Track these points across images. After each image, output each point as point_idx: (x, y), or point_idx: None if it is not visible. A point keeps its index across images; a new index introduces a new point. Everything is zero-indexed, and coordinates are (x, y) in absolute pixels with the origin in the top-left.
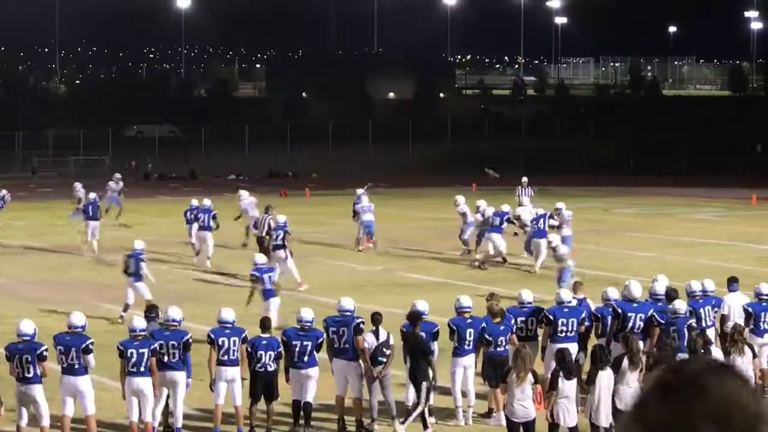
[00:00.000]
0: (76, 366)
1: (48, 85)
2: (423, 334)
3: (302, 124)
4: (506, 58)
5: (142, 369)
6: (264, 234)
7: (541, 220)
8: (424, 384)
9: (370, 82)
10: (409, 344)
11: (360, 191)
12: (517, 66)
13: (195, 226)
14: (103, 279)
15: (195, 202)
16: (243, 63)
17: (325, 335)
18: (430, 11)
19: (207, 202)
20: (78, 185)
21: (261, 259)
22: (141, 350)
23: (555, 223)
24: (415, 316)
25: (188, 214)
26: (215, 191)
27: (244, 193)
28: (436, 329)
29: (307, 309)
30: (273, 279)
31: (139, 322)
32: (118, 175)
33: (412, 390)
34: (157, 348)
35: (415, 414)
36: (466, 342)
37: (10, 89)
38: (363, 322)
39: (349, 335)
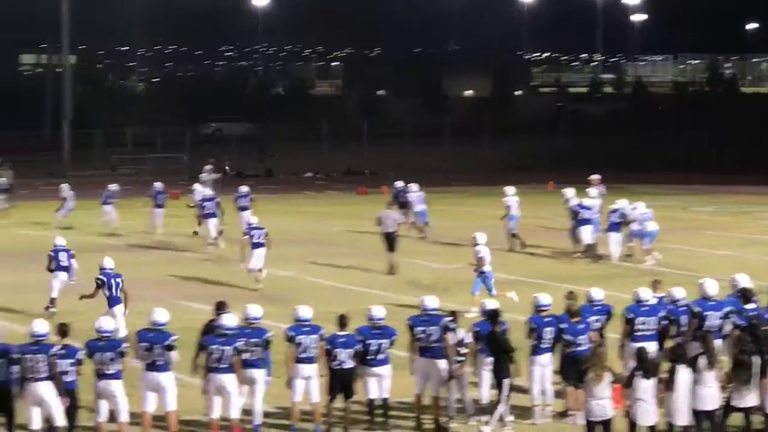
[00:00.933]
0: (159, 362)
1: (126, 84)
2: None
3: (379, 122)
4: (583, 55)
5: (225, 366)
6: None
7: (612, 215)
8: (506, 381)
9: (447, 79)
10: (491, 343)
11: (400, 184)
12: (594, 63)
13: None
14: (181, 274)
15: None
16: (320, 61)
17: (398, 333)
18: (507, 8)
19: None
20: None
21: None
22: (225, 347)
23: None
24: (492, 315)
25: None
26: (292, 189)
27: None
28: (506, 327)
29: (378, 307)
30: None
31: (230, 320)
32: (208, 167)
33: (485, 388)
34: (241, 346)
35: (499, 412)
36: (544, 340)
37: (89, 88)
38: (452, 321)
39: (437, 334)
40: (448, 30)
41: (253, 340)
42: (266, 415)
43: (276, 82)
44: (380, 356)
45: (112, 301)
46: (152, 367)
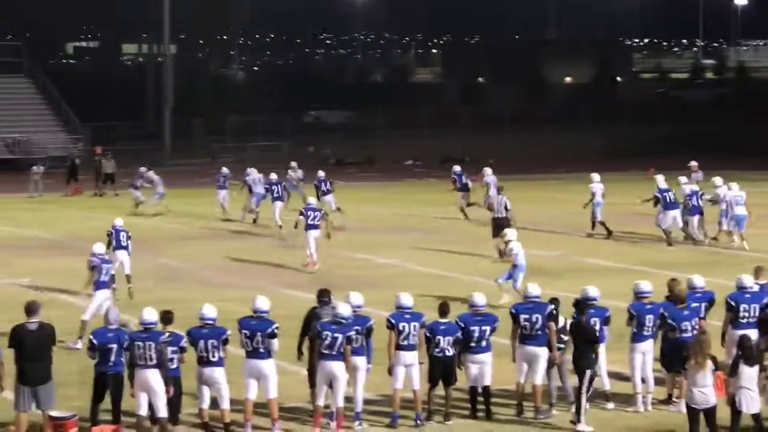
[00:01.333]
0: (261, 350)
1: (226, 73)
2: (595, 320)
3: (478, 109)
4: (684, 41)
5: (335, 353)
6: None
7: (694, 197)
8: (588, 372)
9: (547, 66)
10: (575, 332)
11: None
12: (695, 49)
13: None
14: (282, 262)
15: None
16: (419, 49)
17: (499, 320)
18: None
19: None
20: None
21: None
22: (336, 334)
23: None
24: (580, 304)
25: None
26: (392, 177)
27: (251, 171)
28: (608, 314)
29: (479, 294)
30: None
31: (345, 309)
32: (293, 164)
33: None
34: (353, 334)
35: (583, 403)
36: (646, 327)
37: (189, 77)
38: (556, 308)
39: (541, 321)
40: (548, 16)
41: (355, 327)
42: (367, 402)
43: (375, 70)
44: (483, 343)
45: (99, 285)
46: (254, 354)
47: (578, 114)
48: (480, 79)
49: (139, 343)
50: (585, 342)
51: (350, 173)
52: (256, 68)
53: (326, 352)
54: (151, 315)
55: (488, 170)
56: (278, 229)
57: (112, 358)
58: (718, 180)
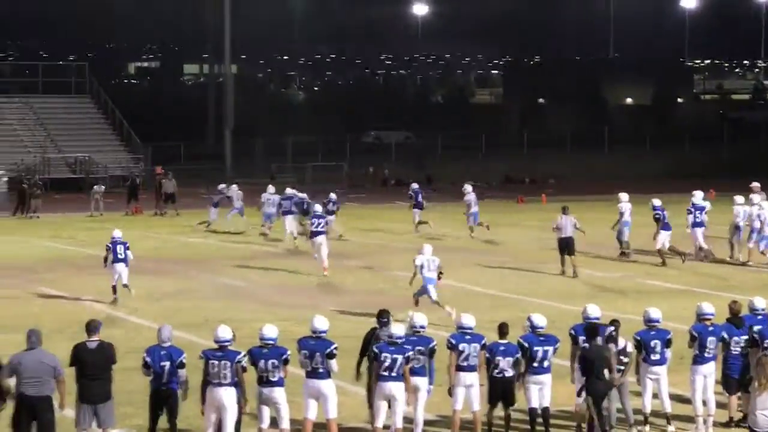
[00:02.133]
0: (321, 370)
1: (287, 92)
2: (656, 342)
3: (538, 130)
4: (746, 61)
5: (394, 374)
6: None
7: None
8: (590, 399)
9: (607, 87)
10: (590, 358)
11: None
12: (757, 70)
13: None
14: (341, 284)
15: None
16: (479, 69)
17: (560, 341)
18: (668, 15)
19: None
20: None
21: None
22: (396, 355)
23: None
24: (590, 330)
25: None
26: (451, 197)
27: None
28: (669, 336)
29: (539, 315)
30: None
31: (398, 329)
32: (333, 196)
33: (647, 397)
34: (412, 354)
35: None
36: (707, 350)
37: (250, 97)
38: (615, 330)
39: (600, 343)
40: (608, 37)
41: (418, 348)
42: (427, 423)
43: (435, 91)
44: (545, 364)
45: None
46: (313, 374)
47: (639, 135)
48: (540, 100)
49: (214, 361)
50: (597, 368)
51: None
52: (316, 88)
53: (385, 373)
54: (225, 333)
55: (468, 187)
56: (292, 240)
57: (165, 376)
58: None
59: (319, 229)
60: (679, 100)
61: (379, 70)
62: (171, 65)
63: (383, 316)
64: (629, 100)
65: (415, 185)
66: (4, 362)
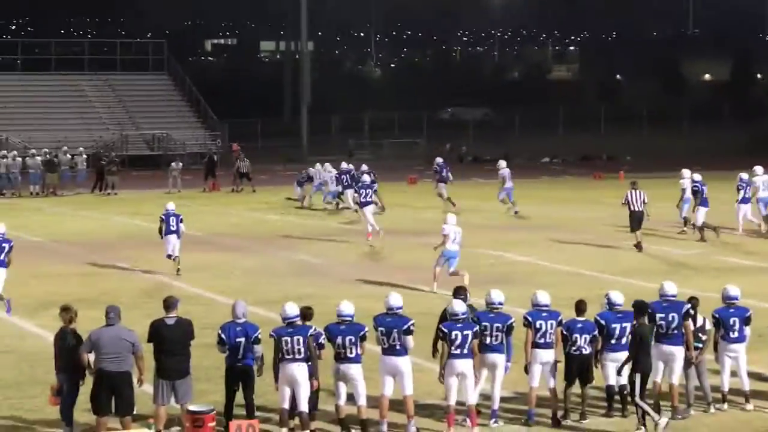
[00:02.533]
0: (397, 347)
1: (363, 69)
2: (735, 319)
3: (616, 106)
4: None
5: (465, 351)
6: None
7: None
8: (638, 376)
9: (685, 63)
10: (638, 336)
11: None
12: None
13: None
14: (417, 261)
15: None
16: (556, 45)
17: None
18: None
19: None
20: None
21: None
22: (465, 332)
23: None
24: (638, 307)
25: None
26: (529, 174)
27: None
28: (749, 314)
29: (616, 292)
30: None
31: (458, 306)
32: (364, 167)
33: (726, 375)
34: (479, 331)
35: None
36: None
37: (326, 74)
38: (692, 307)
39: (678, 321)
40: (686, 12)
41: (496, 324)
42: (503, 399)
43: (512, 67)
44: (623, 341)
45: (168, 231)
46: (390, 351)
47: (717, 111)
48: (617, 76)
49: (287, 338)
50: (643, 346)
51: (487, 170)
52: (392, 65)
53: (457, 351)
54: (293, 309)
55: (502, 163)
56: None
57: (241, 352)
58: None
59: (368, 199)
60: (758, 75)
61: (456, 46)
62: (248, 43)
63: (459, 293)
64: (707, 76)
65: (439, 159)
66: (84, 338)
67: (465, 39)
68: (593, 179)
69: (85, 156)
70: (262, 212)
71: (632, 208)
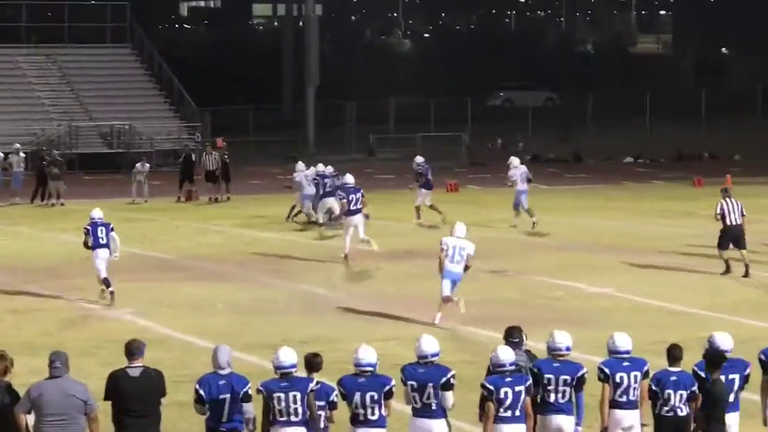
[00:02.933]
0: (433, 406)
1: (389, 41)
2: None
3: (721, 89)
4: None
5: (518, 413)
6: None
7: None
8: None
9: None
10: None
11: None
12: None
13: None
14: (462, 291)
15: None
16: (642, 10)
17: (751, 366)
18: None
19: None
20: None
21: None
22: (517, 388)
23: None
24: (713, 359)
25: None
26: (605, 178)
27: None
28: None
29: (723, 334)
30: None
31: (505, 354)
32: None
33: None
34: (537, 384)
35: None
36: None
37: (341, 46)
38: None
39: (740, 383)
40: None
41: (563, 377)
42: None
43: (584, 38)
44: (730, 398)
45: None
46: (424, 411)
47: None
48: (723, 50)
49: (280, 394)
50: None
51: (552, 173)
52: (426, 35)
53: (506, 414)
54: (289, 357)
55: (515, 160)
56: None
57: (225, 413)
58: None
59: (357, 206)
60: None
61: (510, 10)
62: (235, 5)
63: (513, 335)
64: None
65: (420, 158)
66: (21, 394)
67: (521, 1)
68: (692, 185)
69: (22, 155)
70: (255, 228)
71: (729, 221)
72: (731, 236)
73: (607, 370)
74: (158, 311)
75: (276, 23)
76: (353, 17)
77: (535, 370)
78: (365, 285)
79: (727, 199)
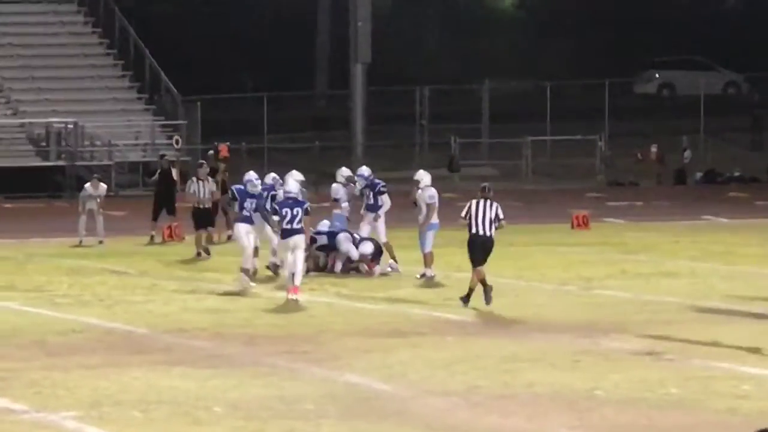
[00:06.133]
0: None
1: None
2: None
3: None
4: None
5: None
6: None
7: None
8: None
9: None
10: None
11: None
12: None
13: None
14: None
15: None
16: None
17: None
18: None
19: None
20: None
21: None
22: None
23: None
24: None
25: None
26: None
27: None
28: None
29: None
30: None
31: None
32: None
33: None
34: None
35: None
36: None
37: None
38: None
39: None
40: None
41: None
42: None
43: None
44: None
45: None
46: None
47: None
48: None
49: None
50: None
51: (735, 199)
52: None
53: None
54: None
55: (423, 175)
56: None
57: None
58: None
59: (295, 225)
60: None
61: None
62: None
63: None
64: None
65: (366, 169)
66: None
67: None
68: None
69: None
70: (271, 284)
71: None
72: None
73: None
74: (120, 415)
75: None
76: None
77: None
78: (446, 371)
79: None
